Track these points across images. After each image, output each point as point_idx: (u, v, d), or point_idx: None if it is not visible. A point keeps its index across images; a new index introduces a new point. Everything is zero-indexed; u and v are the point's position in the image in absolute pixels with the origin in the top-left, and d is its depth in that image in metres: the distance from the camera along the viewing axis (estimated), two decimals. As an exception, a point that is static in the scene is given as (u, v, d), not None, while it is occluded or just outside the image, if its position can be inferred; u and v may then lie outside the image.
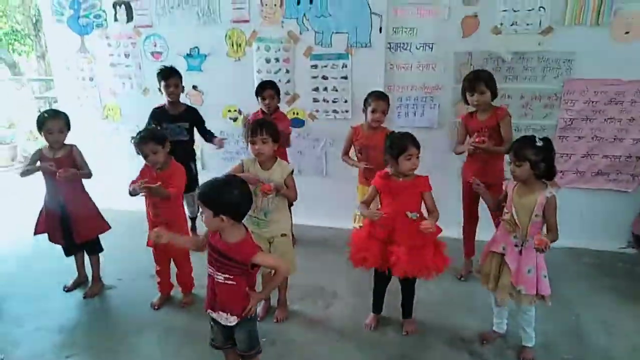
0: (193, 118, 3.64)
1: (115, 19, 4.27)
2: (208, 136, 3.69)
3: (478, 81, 2.90)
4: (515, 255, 2.29)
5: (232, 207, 1.83)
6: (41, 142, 2.95)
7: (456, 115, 3.60)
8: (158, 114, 3.52)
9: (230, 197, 1.83)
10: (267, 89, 3.46)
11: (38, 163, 2.85)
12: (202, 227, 2.11)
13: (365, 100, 3.19)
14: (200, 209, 1.86)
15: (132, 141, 2.71)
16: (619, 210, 3.58)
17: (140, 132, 2.74)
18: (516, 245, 2.29)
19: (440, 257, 2.48)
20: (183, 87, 3.61)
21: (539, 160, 2.18)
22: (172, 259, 2.96)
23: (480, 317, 2.76)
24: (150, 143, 2.64)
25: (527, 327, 2.42)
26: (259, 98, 3.47)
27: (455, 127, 3.41)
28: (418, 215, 2.45)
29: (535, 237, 2.16)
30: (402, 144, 2.39)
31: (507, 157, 2.38)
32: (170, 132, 3.33)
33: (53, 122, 2.82)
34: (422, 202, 2.48)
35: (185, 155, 3.55)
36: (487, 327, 2.65)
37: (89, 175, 2.96)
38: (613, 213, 3.59)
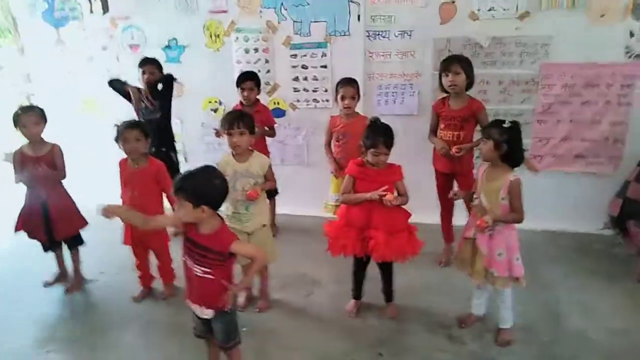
0: (162, 93, 3.57)
1: (91, 11, 4.21)
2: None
3: (453, 61, 2.91)
4: (486, 240, 2.32)
5: (213, 197, 1.83)
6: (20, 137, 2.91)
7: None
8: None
9: (211, 187, 1.83)
10: (246, 81, 3.44)
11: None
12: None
13: (336, 89, 3.20)
14: (178, 201, 1.82)
15: (116, 127, 2.69)
16: (596, 192, 3.63)
17: (127, 120, 2.75)
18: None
19: (414, 241, 2.52)
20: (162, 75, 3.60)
21: (502, 140, 2.22)
22: (151, 251, 2.95)
23: (459, 301, 2.79)
24: (136, 129, 2.66)
25: (503, 308, 2.46)
26: (239, 89, 3.45)
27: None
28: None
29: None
30: (374, 141, 2.41)
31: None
32: (143, 111, 3.43)
33: (27, 116, 2.80)
34: (395, 190, 2.50)
35: (163, 138, 3.56)
36: (466, 310, 2.67)
37: (62, 177, 2.94)
38: (590, 195, 3.64)
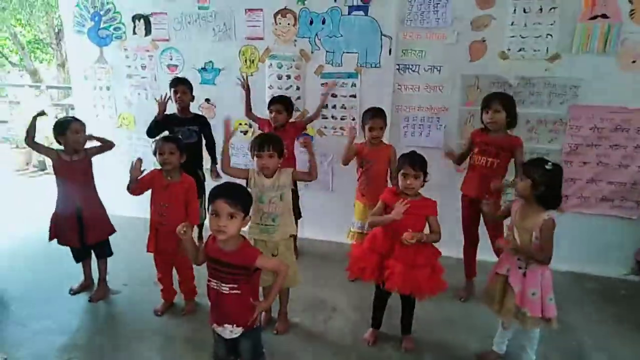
0: (202, 123, 3.79)
1: (134, 32, 4.42)
2: (212, 152, 3.85)
3: (494, 99, 2.96)
4: (519, 277, 2.29)
5: (250, 207, 2.00)
6: (56, 147, 3.06)
7: (462, 137, 3.65)
8: (169, 119, 3.64)
9: (250, 197, 2.03)
10: (275, 103, 3.57)
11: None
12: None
13: (362, 118, 3.28)
14: (229, 214, 1.84)
15: (155, 142, 2.86)
16: (622, 236, 3.58)
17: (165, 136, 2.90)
18: (520, 267, 2.31)
19: (436, 281, 2.50)
20: (193, 97, 3.77)
21: (542, 182, 2.21)
22: (174, 267, 3.02)
23: (479, 337, 2.77)
24: (171, 143, 2.80)
25: (529, 348, 2.43)
26: (269, 111, 3.57)
27: (460, 149, 3.46)
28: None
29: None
30: (401, 162, 2.48)
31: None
32: (181, 135, 3.52)
33: (77, 123, 3.00)
34: (427, 225, 2.51)
35: (195, 159, 3.71)
36: (485, 347, 2.65)
37: (111, 146, 3.18)
38: (617, 239, 3.59)
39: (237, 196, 1.87)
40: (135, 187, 2.78)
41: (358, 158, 3.34)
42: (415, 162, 2.45)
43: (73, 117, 3.15)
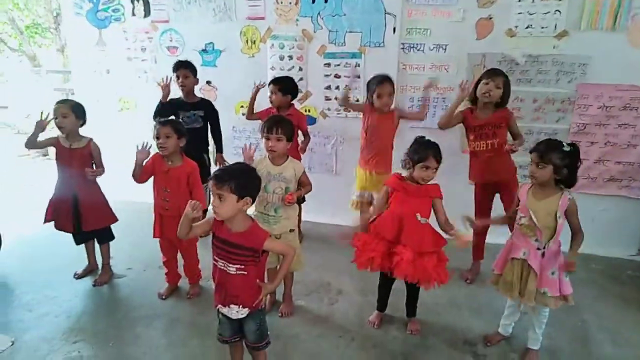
0: (208, 108, 3.72)
1: (133, 14, 4.34)
2: (217, 140, 3.80)
3: (499, 74, 2.90)
4: (539, 259, 2.26)
5: (254, 190, 1.92)
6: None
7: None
8: (174, 103, 3.59)
9: (255, 179, 1.94)
10: (270, 84, 3.48)
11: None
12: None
13: (368, 85, 3.20)
14: (217, 195, 1.82)
15: (155, 120, 2.80)
16: (630, 217, 3.55)
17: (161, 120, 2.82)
18: (538, 249, 2.26)
19: (441, 269, 2.46)
20: (197, 79, 3.69)
21: (563, 165, 2.15)
22: (179, 251, 3.00)
23: (484, 319, 2.76)
24: (168, 126, 2.71)
25: (538, 328, 2.41)
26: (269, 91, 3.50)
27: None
28: (427, 220, 2.45)
29: (563, 264, 2.22)
30: (424, 154, 2.38)
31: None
32: (186, 119, 3.49)
33: (58, 106, 2.90)
34: (432, 209, 2.47)
35: (200, 143, 3.67)
36: (491, 329, 2.64)
37: (101, 174, 3.01)
38: (624, 220, 3.56)
39: (225, 178, 1.82)
40: (139, 173, 2.74)
41: (364, 124, 3.29)
42: (438, 154, 2.40)
43: (63, 99, 3.07)
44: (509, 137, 3.01)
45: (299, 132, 3.57)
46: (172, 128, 2.71)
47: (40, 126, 2.86)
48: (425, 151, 2.38)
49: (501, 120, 2.93)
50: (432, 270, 2.41)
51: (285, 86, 3.50)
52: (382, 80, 3.13)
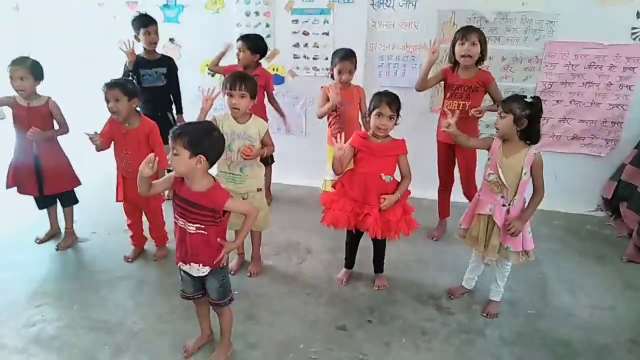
0: (170, 66, 3.56)
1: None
2: (177, 100, 3.65)
3: (472, 31, 2.84)
4: (504, 215, 2.30)
5: (210, 148, 1.82)
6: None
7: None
8: (135, 62, 3.42)
9: (210, 137, 1.84)
10: (238, 41, 3.35)
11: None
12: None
13: (332, 59, 3.12)
14: (173, 150, 1.78)
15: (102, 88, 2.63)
16: (590, 174, 3.65)
17: (113, 79, 2.66)
18: (503, 205, 2.30)
19: (409, 220, 2.50)
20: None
21: (523, 115, 2.17)
22: (143, 213, 2.94)
23: (449, 275, 2.83)
24: (115, 89, 2.55)
25: (500, 281, 2.49)
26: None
27: (436, 90, 3.39)
28: (392, 178, 2.47)
29: (509, 230, 2.25)
30: (378, 102, 2.38)
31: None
32: (148, 77, 3.37)
33: (15, 67, 2.72)
34: (397, 165, 2.48)
35: (164, 102, 3.57)
36: (456, 284, 2.72)
37: (65, 132, 2.88)
38: (585, 177, 3.66)
39: (180, 133, 1.76)
40: (99, 144, 2.63)
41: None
42: (392, 102, 2.37)
43: (21, 57, 2.85)
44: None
45: (265, 92, 3.49)
46: (120, 90, 2.55)
47: None
48: (379, 99, 2.38)
49: (479, 83, 2.89)
50: (396, 223, 2.44)
51: (255, 44, 3.37)
52: (344, 57, 3.02)
